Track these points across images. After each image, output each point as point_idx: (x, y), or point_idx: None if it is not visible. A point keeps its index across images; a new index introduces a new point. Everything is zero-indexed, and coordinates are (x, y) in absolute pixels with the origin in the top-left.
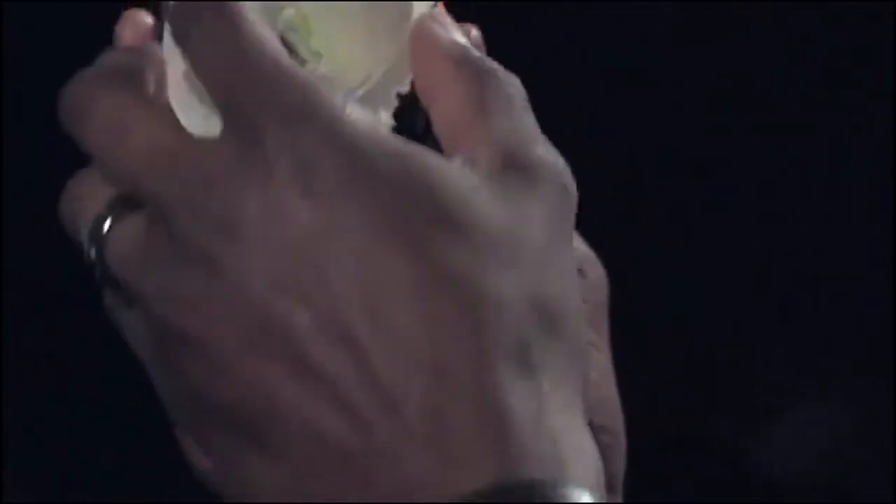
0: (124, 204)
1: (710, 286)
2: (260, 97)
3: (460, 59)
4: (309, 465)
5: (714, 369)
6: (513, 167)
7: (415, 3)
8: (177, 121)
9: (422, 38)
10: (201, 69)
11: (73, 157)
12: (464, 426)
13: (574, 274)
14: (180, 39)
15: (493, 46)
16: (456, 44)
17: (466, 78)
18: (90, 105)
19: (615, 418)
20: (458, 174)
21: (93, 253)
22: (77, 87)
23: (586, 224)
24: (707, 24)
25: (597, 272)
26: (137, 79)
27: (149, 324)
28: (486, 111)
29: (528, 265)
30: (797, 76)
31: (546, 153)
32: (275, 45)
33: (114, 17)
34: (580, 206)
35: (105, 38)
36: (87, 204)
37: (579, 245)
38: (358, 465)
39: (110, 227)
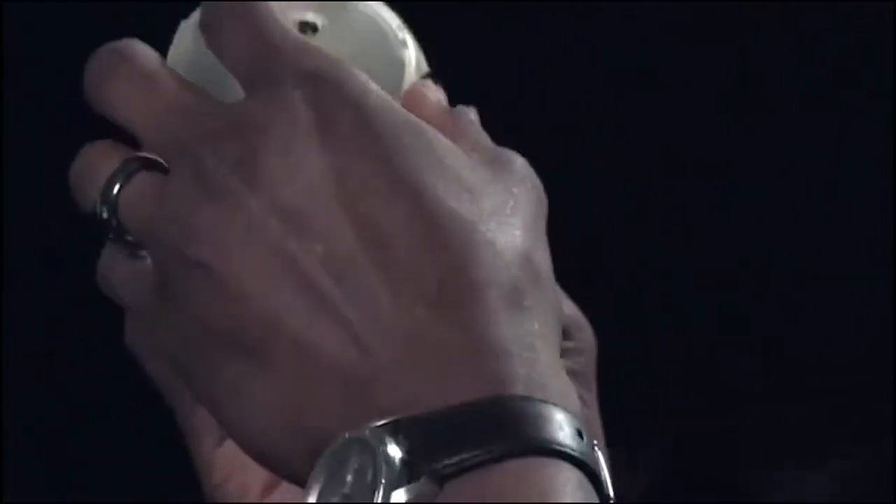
0: (136, 163)
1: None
2: (284, 60)
3: (444, 108)
4: (307, 382)
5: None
6: (498, 161)
7: (408, 74)
8: (189, 84)
9: (413, 96)
10: (228, 51)
11: (73, 158)
12: (456, 351)
13: (549, 261)
14: (206, 29)
15: (499, 47)
16: (441, 101)
17: (450, 114)
18: (119, 64)
19: None
20: (454, 146)
21: (104, 210)
22: (105, 51)
23: (589, 224)
24: (711, 24)
25: (586, 334)
26: (155, 54)
27: (159, 260)
28: (468, 133)
29: (519, 225)
30: (799, 77)
31: (526, 163)
32: (292, 29)
33: (114, 18)
34: (580, 205)
35: (105, 38)
36: (100, 167)
37: (569, 308)
38: (353, 384)
39: (123, 182)
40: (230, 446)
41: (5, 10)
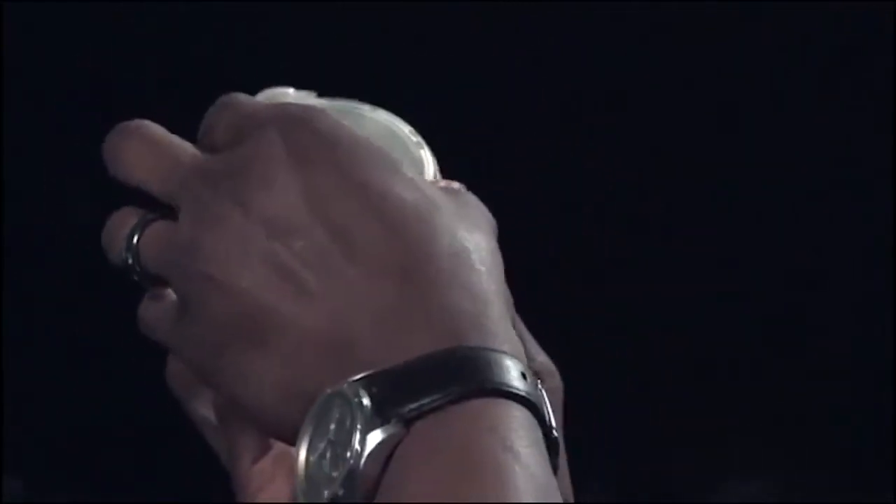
0: (150, 216)
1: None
2: (260, 117)
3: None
4: (297, 355)
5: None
6: (453, 190)
7: (428, 172)
8: (188, 144)
9: None
10: (218, 132)
11: (73, 158)
12: (417, 313)
13: (496, 247)
14: (204, 128)
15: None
16: None
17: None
18: (130, 134)
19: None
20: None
21: (129, 257)
22: (119, 127)
23: (587, 228)
24: (707, 25)
25: (555, 379)
26: (159, 126)
27: (175, 284)
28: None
29: (465, 218)
30: (798, 77)
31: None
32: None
33: (114, 18)
34: (581, 205)
35: (105, 38)
36: (123, 226)
37: (541, 356)
38: (334, 351)
39: (140, 233)
40: (261, 465)
41: (5, 10)
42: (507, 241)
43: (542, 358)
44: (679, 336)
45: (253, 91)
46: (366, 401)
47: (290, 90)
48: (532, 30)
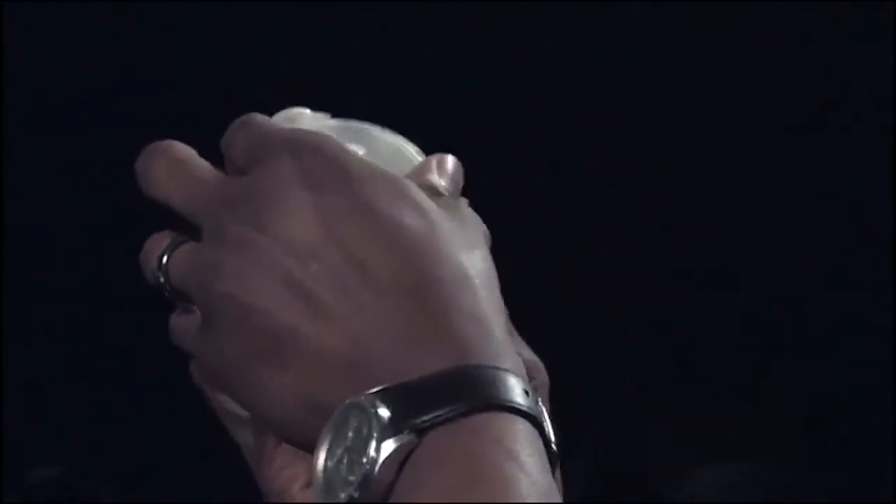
0: (180, 239)
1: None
2: (274, 143)
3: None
4: (315, 371)
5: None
6: (453, 205)
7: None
8: (210, 166)
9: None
10: (233, 151)
11: (73, 158)
12: (428, 332)
13: (492, 268)
14: (224, 150)
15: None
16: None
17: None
18: (159, 155)
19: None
20: (419, 189)
21: (160, 276)
22: (149, 147)
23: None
24: (707, 25)
25: (542, 376)
26: (187, 147)
27: (198, 301)
28: (437, 183)
29: (465, 240)
30: (798, 77)
31: (472, 211)
32: (276, 124)
33: (113, 18)
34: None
35: (105, 38)
36: (156, 248)
37: (528, 353)
38: (350, 367)
39: (170, 253)
40: (285, 464)
41: (5, 10)
42: (508, 240)
43: (528, 354)
44: (662, 328)
45: (256, 92)
46: (382, 411)
47: (307, 111)
48: (532, 30)
